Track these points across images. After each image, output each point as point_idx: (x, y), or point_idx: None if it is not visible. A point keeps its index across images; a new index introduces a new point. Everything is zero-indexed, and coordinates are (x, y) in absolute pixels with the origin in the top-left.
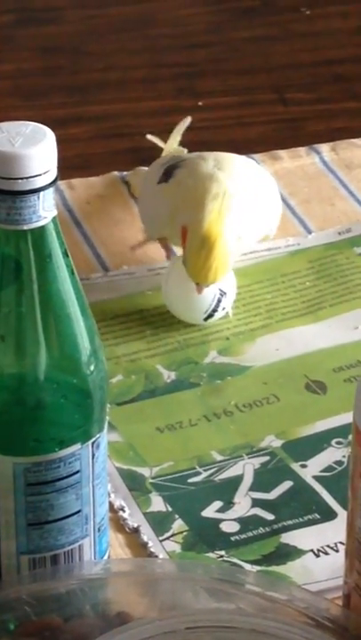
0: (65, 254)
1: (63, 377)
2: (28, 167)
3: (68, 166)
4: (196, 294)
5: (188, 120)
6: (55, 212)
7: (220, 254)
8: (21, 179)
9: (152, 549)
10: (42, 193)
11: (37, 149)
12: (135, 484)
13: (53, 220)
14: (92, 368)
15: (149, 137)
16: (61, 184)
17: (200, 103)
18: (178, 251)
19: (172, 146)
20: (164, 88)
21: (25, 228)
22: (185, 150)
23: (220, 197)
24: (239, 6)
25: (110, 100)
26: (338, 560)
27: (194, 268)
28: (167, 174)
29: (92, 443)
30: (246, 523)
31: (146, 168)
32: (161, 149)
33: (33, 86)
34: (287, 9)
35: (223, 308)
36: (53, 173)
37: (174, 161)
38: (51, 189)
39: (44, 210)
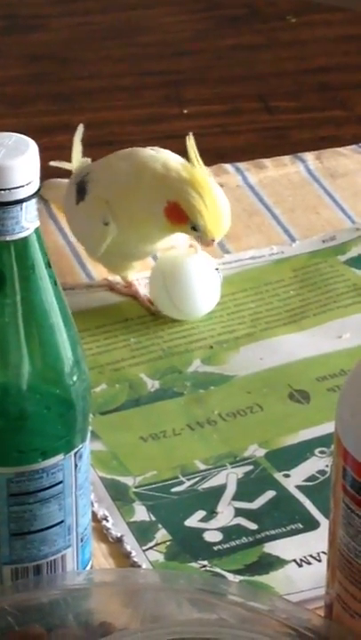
0: (48, 265)
1: (46, 387)
2: (11, 178)
3: (54, 175)
4: (201, 279)
5: (81, 129)
6: (38, 224)
7: (220, 196)
8: (4, 190)
9: (135, 559)
10: (24, 204)
11: (20, 161)
12: (119, 494)
13: (36, 231)
14: (74, 378)
15: (53, 163)
16: None
17: (185, 111)
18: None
19: (77, 161)
20: (149, 96)
21: (8, 239)
22: (89, 160)
23: (176, 163)
24: (225, 14)
25: (96, 107)
26: (320, 570)
27: (211, 222)
28: (80, 192)
29: (75, 453)
30: (229, 532)
31: (57, 180)
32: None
33: (18, 94)
34: (273, 17)
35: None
36: (36, 185)
37: (79, 177)
38: (33, 200)
39: (27, 221)
